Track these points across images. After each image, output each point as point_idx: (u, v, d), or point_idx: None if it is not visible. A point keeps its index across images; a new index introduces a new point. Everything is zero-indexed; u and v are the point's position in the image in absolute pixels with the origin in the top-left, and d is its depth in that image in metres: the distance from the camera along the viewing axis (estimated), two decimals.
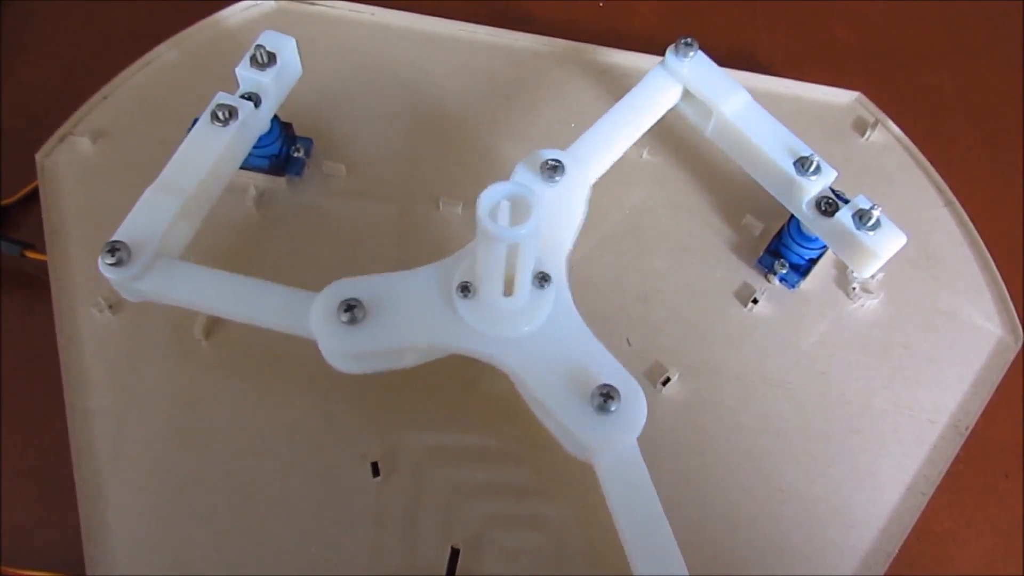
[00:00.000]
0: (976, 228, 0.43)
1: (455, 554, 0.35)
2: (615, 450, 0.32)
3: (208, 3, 0.48)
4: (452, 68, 0.47)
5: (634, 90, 0.41)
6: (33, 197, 0.43)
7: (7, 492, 0.38)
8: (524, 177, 0.37)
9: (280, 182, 0.43)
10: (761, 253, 0.42)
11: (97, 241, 0.34)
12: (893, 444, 0.39)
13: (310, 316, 0.33)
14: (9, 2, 0.51)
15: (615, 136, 0.40)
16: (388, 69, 0.47)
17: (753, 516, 0.37)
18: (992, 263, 0.43)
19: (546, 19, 0.51)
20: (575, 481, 0.35)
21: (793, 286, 0.41)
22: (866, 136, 0.46)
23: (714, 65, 0.41)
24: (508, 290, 0.32)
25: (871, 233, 0.37)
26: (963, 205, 0.44)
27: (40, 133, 0.44)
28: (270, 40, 0.39)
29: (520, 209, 0.30)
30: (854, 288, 0.41)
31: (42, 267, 0.41)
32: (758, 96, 0.40)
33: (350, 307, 0.33)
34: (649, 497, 0.32)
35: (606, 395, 0.31)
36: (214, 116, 0.37)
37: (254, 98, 0.39)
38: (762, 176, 0.40)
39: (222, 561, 0.35)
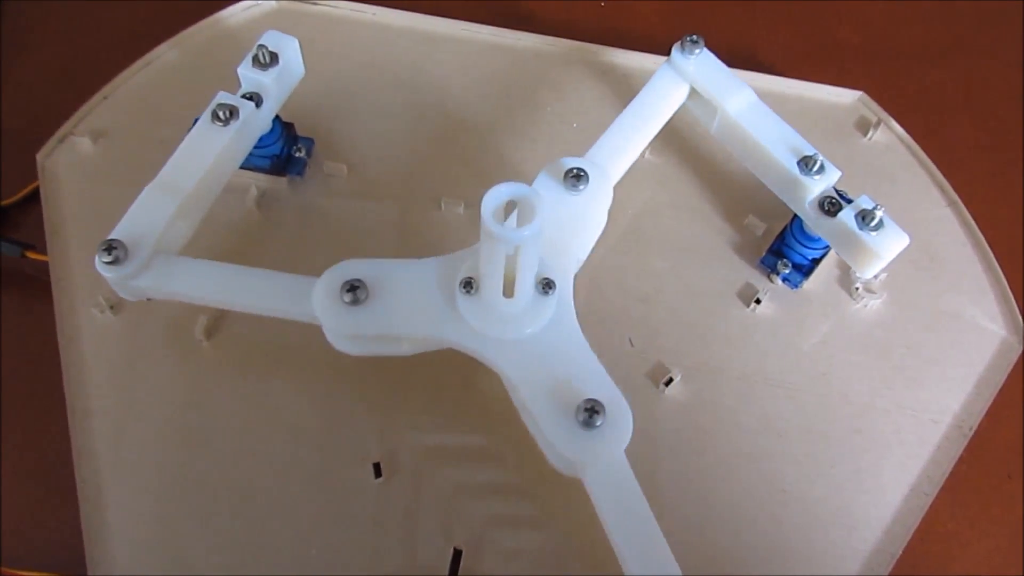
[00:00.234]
0: (979, 228, 0.43)
1: (457, 555, 0.35)
2: (599, 464, 0.32)
3: (209, 3, 0.48)
4: (454, 68, 0.47)
5: (644, 91, 0.41)
6: (33, 197, 0.43)
7: (7, 493, 0.38)
8: (546, 186, 0.36)
9: (281, 182, 0.43)
10: (764, 253, 0.41)
11: (98, 241, 0.34)
12: (896, 445, 0.38)
13: (313, 294, 0.33)
14: (9, 2, 0.51)
15: (631, 139, 0.40)
16: (389, 69, 0.47)
17: (755, 517, 0.37)
18: (995, 263, 0.42)
19: (548, 19, 0.51)
20: (575, 482, 0.35)
21: (796, 286, 0.41)
22: (869, 136, 0.46)
23: (719, 63, 0.41)
24: (509, 291, 0.32)
25: (874, 233, 0.37)
26: (966, 205, 0.44)
27: (40, 133, 0.44)
28: (272, 40, 0.39)
29: (525, 211, 0.29)
30: (857, 288, 0.41)
31: (43, 268, 0.41)
32: (760, 96, 0.40)
33: (353, 288, 0.33)
34: (640, 510, 0.32)
35: (591, 410, 0.31)
36: (215, 115, 0.37)
37: (255, 98, 0.38)
38: (765, 175, 0.40)
39: (222, 562, 0.35)
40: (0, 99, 0.47)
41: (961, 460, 0.38)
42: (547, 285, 0.33)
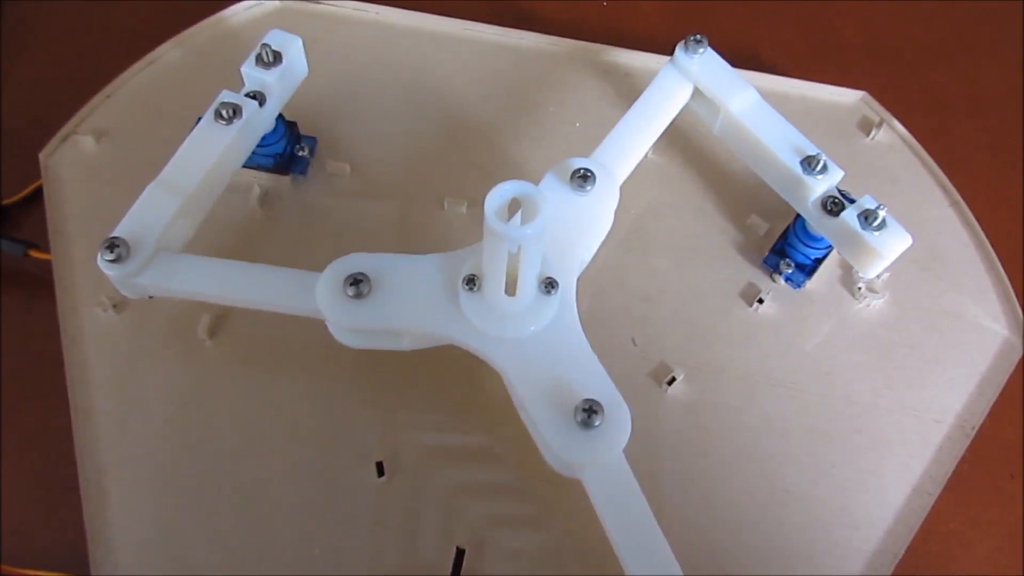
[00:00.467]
0: (982, 228, 0.43)
1: (460, 554, 0.35)
2: (597, 464, 0.32)
3: (211, 2, 0.48)
4: (456, 67, 0.47)
5: (648, 91, 0.41)
6: (36, 197, 0.43)
7: (9, 491, 0.38)
8: (553, 186, 0.36)
9: (284, 181, 0.43)
10: (766, 253, 0.41)
11: (101, 240, 0.34)
12: (898, 445, 0.38)
13: (316, 287, 0.33)
14: (11, 1, 0.51)
15: (636, 139, 0.40)
16: (392, 68, 0.47)
17: (758, 517, 0.37)
18: (998, 263, 0.42)
19: (550, 18, 0.51)
20: (577, 482, 0.35)
21: (798, 286, 0.41)
22: (871, 136, 0.46)
23: (723, 62, 0.41)
24: (511, 290, 0.32)
25: (877, 233, 0.37)
26: (969, 205, 0.44)
27: (43, 132, 0.44)
28: (276, 39, 0.39)
29: (529, 209, 0.29)
30: (859, 288, 0.41)
31: (46, 267, 0.41)
32: (763, 96, 0.40)
33: (356, 281, 0.33)
34: (640, 510, 0.32)
35: (589, 410, 0.31)
36: (218, 114, 0.37)
37: (259, 97, 0.39)
38: (768, 175, 0.40)
39: (225, 561, 0.35)
40: (2, 98, 0.47)
41: (963, 460, 0.38)
42: (550, 285, 0.33)
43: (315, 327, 0.35)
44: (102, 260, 0.34)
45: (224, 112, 0.37)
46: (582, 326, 0.34)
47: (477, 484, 0.37)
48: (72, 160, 0.43)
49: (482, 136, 0.45)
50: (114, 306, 0.40)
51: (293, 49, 0.39)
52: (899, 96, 0.49)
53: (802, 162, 0.38)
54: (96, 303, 0.40)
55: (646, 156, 0.44)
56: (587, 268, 0.38)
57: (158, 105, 0.45)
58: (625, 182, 0.39)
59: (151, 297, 0.36)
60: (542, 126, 0.46)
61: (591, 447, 0.31)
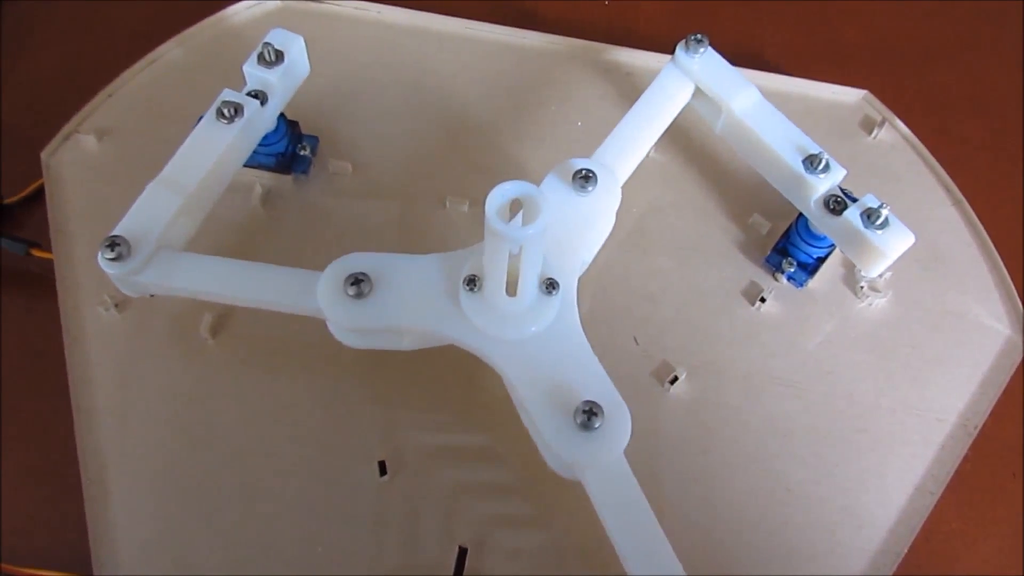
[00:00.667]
0: (984, 227, 0.43)
1: (463, 553, 0.35)
2: (597, 465, 0.32)
3: (213, 1, 0.48)
4: (458, 66, 0.47)
5: (649, 90, 0.41)
6: (38, 196, 0.43)
7: (11, 491, 0.38)
8: (554, 187, 0.36)
9: (286, 180, 0.43)
10: (769, 252, 0.41)
11: (102, 239, 0.34)
12: (901, 444, 0.38)
13: (317, 287, 0.33)
14: (11, 1, 0.51)
15: (638, 139, 0.40)
16: (394, 67, 0.47)
17: (759, 517, 0.37)
18: (1000, 262, 0.42)
19: (552, 17, 0.51)
20: (577, 482, 0.35)
21: (801, 285, 0.41)
22: (873, 135, 0.46)
23: (724, 61, 0.41)
24: (512, 290, 0.32)
25: (879, 232, 0.37)
26: (971, 204, 0.44)
27: (45, 131, 0.44)
28: (278, 38, 0.39)
29: (530, 209, 0.29)
30: (862, 287, 0.41)
31: (48, 266, 0.41)
32: (765, 95, 0.40)
33: (357, 281, 0.33)
34: (641, 510, 0.31)
35: (589, 411, 0.31)
36: (219, 113, 0.37)
37: (260, 96, 0.39)
38: (770, 174, 0.40)
39: (228, 561, 0.35)
40: (4, 97, 0.47)
41: (966, 459, 0.38)
42: (551, 285, 0.33)
43: (317, 326, 0.35)
44: (103, 258, 0.34)
45: (226, 111, 0.37)
46: (583, 326, 0.34)
47: (479, 483, 0.37)
48: (74, 159, 0.43)
49: (484, 135, 0.45)
50: (116, 305, 0.40)
51: (295, 48, 0.39)
52: (901, 95, 0.49)
53: (804, 161, 0.38)
54: (98, 302, 0.40)
55: (648, 155, 0.44)
56: (589, 267, 0.38)
57: (160, 104, 0.45)
58: (627, 181, 0.39)
59: (152, 296, 0.36)
60: (544, 125, 0.46)
61: (591, 449, 0.31)
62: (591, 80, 0.47)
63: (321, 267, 0.34)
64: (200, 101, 0.39)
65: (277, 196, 0.43)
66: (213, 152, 0.37)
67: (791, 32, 0.52)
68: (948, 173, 0.45)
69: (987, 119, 0.49)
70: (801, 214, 0.40)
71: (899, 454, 0.38)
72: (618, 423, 0.32)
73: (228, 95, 0.37)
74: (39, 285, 0.42)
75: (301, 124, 0.43)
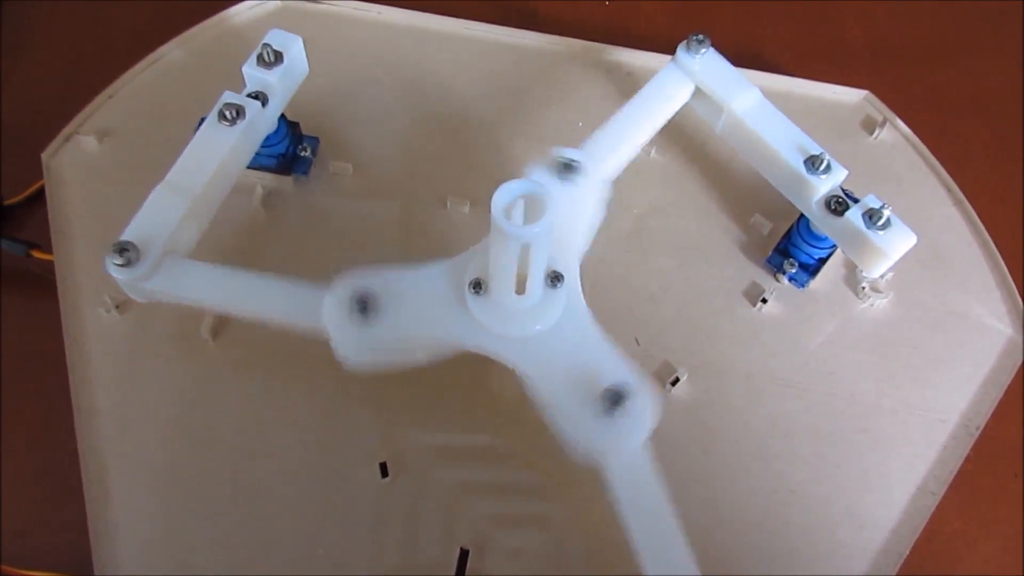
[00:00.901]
0: (985, 227, 0.43)
1: (464, 555, 0.35)
2: (622, 453, 0.32)
3: (213, 2, 0.48)
4: (458, 67, 0.47)
5: (646, 87, 0.41)
6: (38, 197, 0.43)
7: (11, 492, 0.38)
8: (539, 177, 0.36)
9: (287, 181, 0.43)
10: (770, 252, 0.41)
11: (103, 240, 0.34)
12: (903, 444, 0.38)
13: (322, 310, 0.33)
14: (12, 1, 0.51)
15: (629, 134, 0.40)
16: (394, 68, 0.47)
17: (762, 517, 0.37)
18: (1001, 262, 0.42)
19: (553, 18, 0.51)
20: (578, 482, 0.35)
21: (802, 285, 0.41)
22: (875, 135, 0.46)
23: (725, 62, 0.41)
24: (520, 289, 0.32)
25: (881, 232, 0.37)
26: (972, 204, 0.44)
27: (45, 132, 0.44)
28: (277, 39, 0.39)
29: (535, 207, 0.29)
30: (863, 287, 0.41)
31: (48, 267, 0.41)
32: (766, 95, 0.40)
33: (362, 301, 0.33)
34: (660, 502, 0.31)
35: (613, 397, 0.31)
36: (221, 115, 0.37)
37: (261, 97, 0.38)
38: (772, 174, 0.40)
39: (228, 562, 0.35)
40: (4, 98, 0.47)
41: (968, 459, 0.38)
42: (555, 278, 0.33)
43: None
44: (111, 264, 0.34)
45: (228, 113, 0.37)
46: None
47: (480, 484, 0.37)
48: (74, 160, 0.43)
49: (484, 135, 0.45)
50: (116, 306, 0.40)
51: (294, 48, 0.39)
52: (902, 95, 0.49)
53: (806, 161, 0.38)
54: (98, 303, 0.39)
55: (649, 155, 0.44)
56: (590, 267, 0.38)
57: (161, 105, 0.45)
58: (627, 181, 0.39)
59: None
60: (544, 125, 0.46)
61: (611, 434, 0.31)
62: (591, 80, 0.47)
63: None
64: (201, 102, 0.39)
65: (278, 197, 0.43)
66: (217, 154, 0.36)
67: (792, 32, 0.52)
68: (949, 173, 0.45)
69: (988, 119, 0.49)
70: (802, 215, 0.40)
71: (901, 454, 0.38)
72: (642, 407, 0.31)
73: (229, 97, 0.37)
74: (39, 286, 0.41)
75: (302, 125, 0.43)
